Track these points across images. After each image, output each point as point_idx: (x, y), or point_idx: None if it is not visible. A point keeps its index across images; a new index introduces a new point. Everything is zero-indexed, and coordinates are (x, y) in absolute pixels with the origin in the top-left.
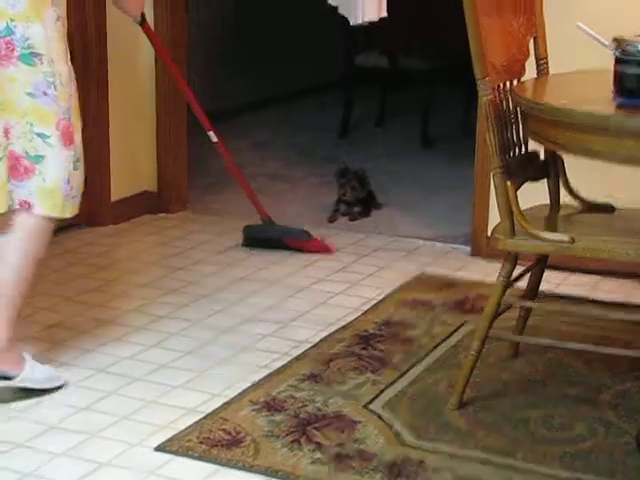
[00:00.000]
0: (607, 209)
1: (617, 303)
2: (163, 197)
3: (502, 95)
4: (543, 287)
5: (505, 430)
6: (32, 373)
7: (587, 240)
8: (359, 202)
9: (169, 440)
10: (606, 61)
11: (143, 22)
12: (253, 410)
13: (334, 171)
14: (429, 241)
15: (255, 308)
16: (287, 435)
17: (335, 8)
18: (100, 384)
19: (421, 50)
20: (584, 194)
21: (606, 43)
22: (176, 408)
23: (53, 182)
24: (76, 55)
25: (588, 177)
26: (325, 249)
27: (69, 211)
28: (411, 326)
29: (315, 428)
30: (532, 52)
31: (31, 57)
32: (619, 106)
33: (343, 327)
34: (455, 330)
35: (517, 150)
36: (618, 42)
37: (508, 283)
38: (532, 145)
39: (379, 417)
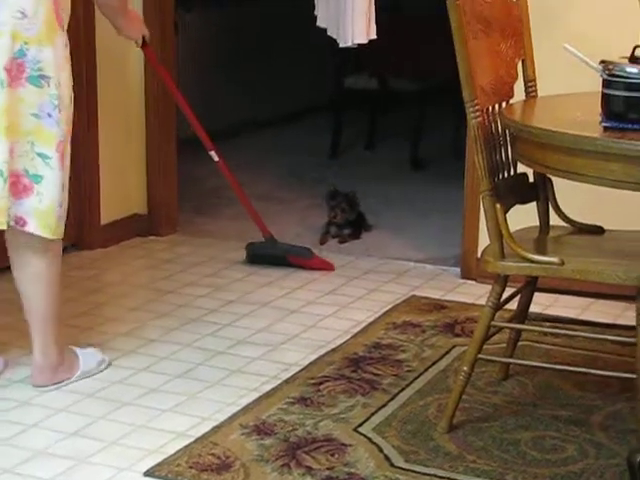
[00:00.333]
0: (596, 231)
1: (607, 324)
2: (153, 220)
3: (491, 117)
4: (533, 309)
5: (495, 453)
6: (85, 365)
7: (576, 262)
8: (349, 224)
9: (158, 465)
10: (594, 83)
11: (144, 45)
12: (243, 434)
13: (324, 193)
14: (419, 263)
15: (245, 331)
16: (277, 459)
17: (324, 30)
18: (89, 409)
19: (411, 72)
20: (573, 216)
21: (594, 65)
22: (165, 432)
23: (49, 203)
24: None
25: (577, 199)
26: (327, 266)
27: (59, 232)
28: (401, 349)
29: (305, 452)
30: (520, 74)
31: (39, 79)
32: (606, 129)
33: (333, 350)
34: (445, 353)
35: (506, 172)
36: (605, 64)
37: (498, 306)
38: (521, 167)
39: (369, 440)
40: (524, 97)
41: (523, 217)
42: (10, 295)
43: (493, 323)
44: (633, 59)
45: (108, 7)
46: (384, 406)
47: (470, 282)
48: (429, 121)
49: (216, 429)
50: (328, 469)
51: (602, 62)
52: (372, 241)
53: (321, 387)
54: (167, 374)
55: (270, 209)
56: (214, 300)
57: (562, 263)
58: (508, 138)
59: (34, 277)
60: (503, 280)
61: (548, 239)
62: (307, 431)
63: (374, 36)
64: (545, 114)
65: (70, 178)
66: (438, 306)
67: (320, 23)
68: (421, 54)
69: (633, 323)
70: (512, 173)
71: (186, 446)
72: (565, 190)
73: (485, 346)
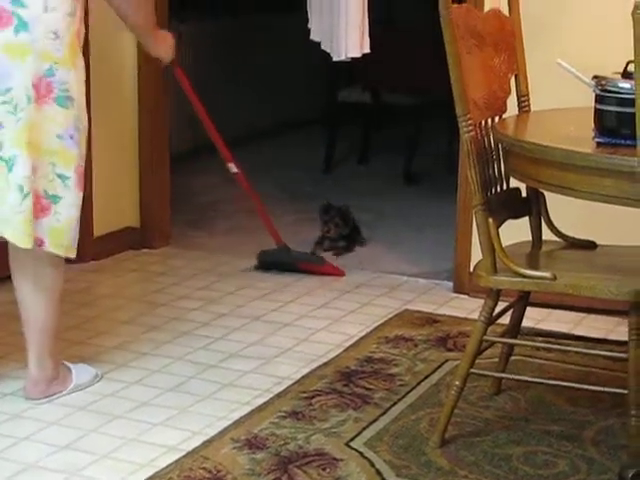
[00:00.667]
0: (589, 246)
1: (600, 339)
2: (146, 233)
3: (484, 132)
4: (525, 323)
5: (487, 468)
6: (79, 378)
7: (569, 277)
8: (342, 238)
9: (149, 479)
10: (587, 98)
11: (175, 65)
12: (234, 448)
13: (317, 207)
14: (412, 277)
15: (237, 344)
16: (268, 473)
17: (318, 44)
18: (81, 422)
19: (404, 86)
20: (566, 230)
21: (587, 81)
22: (157, 446)
23: (65, 223)
24: None
25: (570, 214)
26: (338, 272)
27: (72, 251)
28: (393, 363)
29: (296, 466)
30: (513, 89)
31: (66, 100)
32: (599, 145)
33: (325, 364)
34: (437, 367)
35: (499, 187)
36: (598, 80)
37: (490, 320)
38: (514, 182)
39: (361, 455)
40: (517, 112)
41: (516, 232)
42: (2, 308)
43: (485, 337)
44: (626, 74)
45: (135, 26)
46: (376, 420)
47: (463, 296)
48: (422, 134)
49: (207, 443)
50: None
51: (595, 77)
52: (365, 255)
53: (313, 401)
54: (158, 387)
55: (258, 223)
56: (206, 313)
57: (554, 278)
58: (501, 153)
59: (36, 288)
60: (495, 295)
61: (540, 254)
62: (299, 445)
63: (367, 50)
64: (538, 129)
65: None
66: (431, 320)
67: (314, 36)
68: (415, 68)
69: (625, 338)
70: (505, 188)
71: (177, 460)
72: (558, 205)
73: (477, 360)
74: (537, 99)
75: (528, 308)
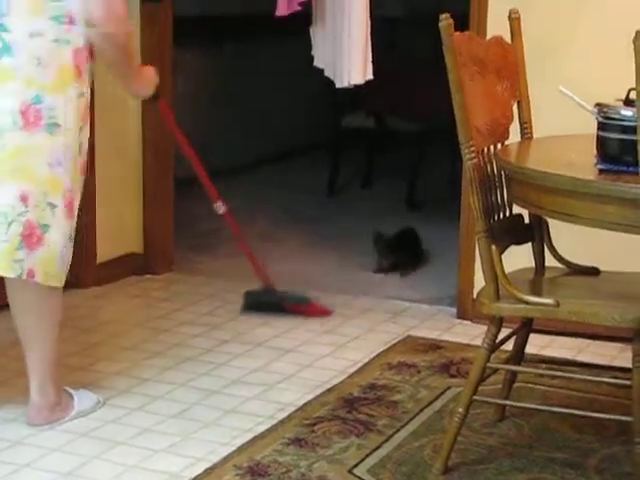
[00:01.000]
0: (592, 272)
1: (604, 366)
2: (149, 258)
3: (486, 159)
4: (529, 350)
5: None
6: (81, 405)
7: (572, 304)
8: (399, 264)
9: None
10: (589, 125)
11: (157, 99)
12: (237, 475)
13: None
14: (415, 303)
15: (240, 371)
16: None
17: (321, 70)
18: (83, 448)
19: (407, 113)
20: (569, 257)
21: (589, 108)
22: (159, 473)
23: (52, 251)
24: None
25: (573, 240)
26: (324, 313)
27: (57, 280)
28: (396, 390)
29: None
30: (516, 116)
31: (54, 127)
32: (601, 171)
33: (328, 390)
34: (441, 394)
35: (501, 213)
36: (601, 107)
37: (493, 347)
38: (517, 208)
39: None
40: (519, 138)
41: (519, 258)
42: (3, 335)
43: (489, 364)
44: (628, 102)
45: (115, 65)
46: (379, 447)
47: (466, 322)
48: (425, 160)
49: (210, 470)
50: None
51: (597, 105)
52: (368, 281)
53: (315, 428)
54: (161, 414)
55: (267, 248)
56: (209, 339)
57: (557, 304)
58: (503, 179)
59: (35, 319)
60: (499, 321)
61: (544, 280)
62: (301, 472)
63: (371, 77)
64: (540, 156)
65: None
66: (434, 346)
67: (317, 63)
68: (417, 94)
69: (629, 365)
70: (507, 214)
71: None
72: (561, 231)
73: (481, 387)
74: (539, 126)
75: (531, 335)
